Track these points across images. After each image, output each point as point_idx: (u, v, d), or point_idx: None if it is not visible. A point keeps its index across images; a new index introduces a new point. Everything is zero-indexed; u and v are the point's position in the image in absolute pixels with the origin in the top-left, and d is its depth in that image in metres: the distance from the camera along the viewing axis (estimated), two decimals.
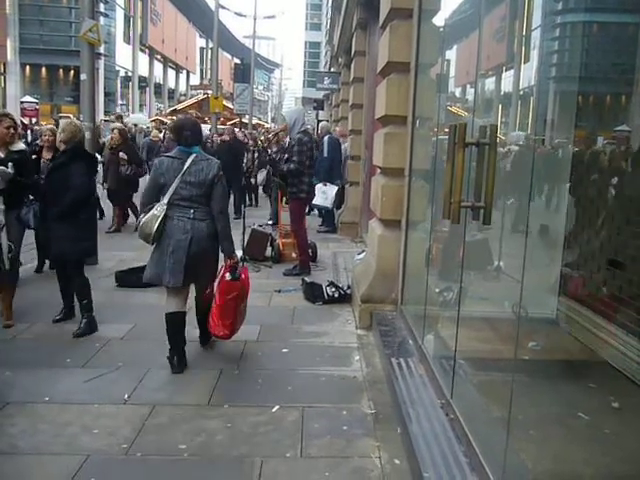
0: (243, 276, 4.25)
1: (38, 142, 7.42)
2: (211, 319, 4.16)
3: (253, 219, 9.06)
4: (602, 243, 4.18)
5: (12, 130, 4.93)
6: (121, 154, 8.89)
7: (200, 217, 3.97)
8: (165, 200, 3.92)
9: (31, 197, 5.12)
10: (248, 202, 12.38)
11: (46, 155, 6.00)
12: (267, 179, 9.82)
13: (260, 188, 12.72)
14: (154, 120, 30.66)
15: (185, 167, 3.92)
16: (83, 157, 4.75)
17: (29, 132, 17.46)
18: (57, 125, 14.89)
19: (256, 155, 12.43)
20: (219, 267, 4.26)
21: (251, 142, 13.48)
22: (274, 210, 10.07)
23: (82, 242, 4.67)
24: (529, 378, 3.03)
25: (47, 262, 6.39)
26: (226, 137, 11.27)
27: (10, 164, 4.69)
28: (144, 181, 11.37)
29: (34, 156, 5.96)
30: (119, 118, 15.19)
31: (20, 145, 5.01)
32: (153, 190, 4.04)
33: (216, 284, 4.21)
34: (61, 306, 4.94)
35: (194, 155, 3.98)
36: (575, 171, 4.39)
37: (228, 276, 4.12)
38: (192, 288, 4.29)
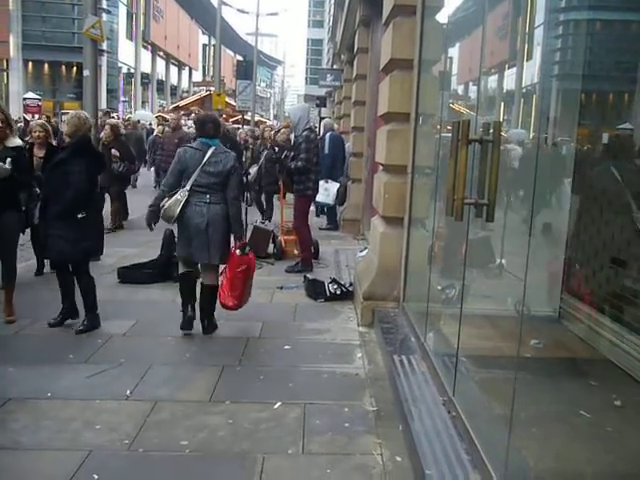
0: (250, 255, 4.66)
1: (27, 139, 6.77)
2: (221, 290, 4.55)
3: (254, 216, 9.06)
4: (605, 241, 4.17)
5: (1, 124, 4.55)
6: (113, 151, 8.56)
7: (215, 201, 4.41)
8: (188, 187, 4.36)
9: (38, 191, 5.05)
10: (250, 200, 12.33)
11: (38, 153, 5.46)
12: (258, 175, 9.56)
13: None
14: (157, 116, 30.66)
15: (205, 158, 4.37)
16: (85, 153, 4.54)
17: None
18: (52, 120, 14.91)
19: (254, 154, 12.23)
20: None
21: (250, 140, 13.28)
22: (271, 208, 10.03)
23: (82, 242, 4.50)
24: (531, 376, 3.03)
25: (46, 262, 6.12)
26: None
27: (9, 160, 4.42)
28: (146, 176, 11.44)
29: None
30: (107, 114, 15.20)
31: (16, 141, 4.70)
32: (176, 176, 4.45)
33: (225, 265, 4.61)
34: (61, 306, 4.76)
35: (214, 147, 4.43)
36: (579, 169, 4.38)
37: (238, 252, 4.53)
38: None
